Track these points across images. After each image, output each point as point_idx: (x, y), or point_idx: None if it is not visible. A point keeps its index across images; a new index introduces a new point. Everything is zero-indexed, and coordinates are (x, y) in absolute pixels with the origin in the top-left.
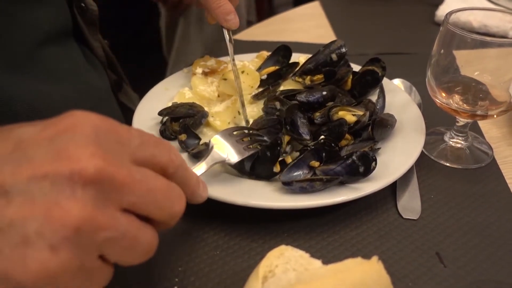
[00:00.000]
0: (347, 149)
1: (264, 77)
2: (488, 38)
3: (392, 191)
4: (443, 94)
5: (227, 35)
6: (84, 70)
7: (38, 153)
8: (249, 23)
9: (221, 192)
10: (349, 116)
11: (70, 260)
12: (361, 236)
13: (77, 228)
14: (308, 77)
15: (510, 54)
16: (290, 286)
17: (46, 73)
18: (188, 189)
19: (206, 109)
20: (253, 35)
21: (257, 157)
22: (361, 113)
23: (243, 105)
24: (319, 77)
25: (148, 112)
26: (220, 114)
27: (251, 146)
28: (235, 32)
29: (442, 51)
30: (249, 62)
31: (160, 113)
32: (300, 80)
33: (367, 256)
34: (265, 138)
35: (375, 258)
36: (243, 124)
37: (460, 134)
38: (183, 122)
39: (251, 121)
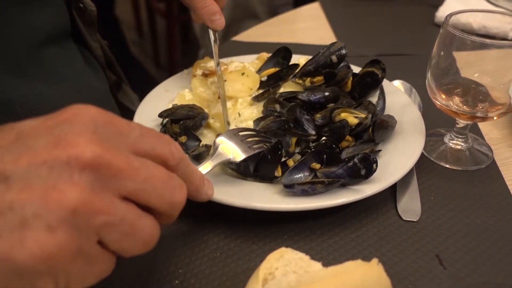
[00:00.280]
0: (347, 151)
1: (264, 78)
2: (487, 40)
3: (392, 193)
4: (443, 96)
5: (212, 36)
6: (83, 71)
7: (38, 142)
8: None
9: (222, 194)
10: (351, 118)
11: (67, 242)
12: (361, 238)
13: (74, 210)
14: (308, 79)
15: (510, 56)
16: None
17: (45, 74)
18: (192, 184)
19: (206, 110)
20: (253, 36)
21: (260, 158)
22: (363, 115)
23: (224, 103)
24: (319, 79)
25: (148, 113)
26: (220, 116)
27: (255, 146)
28: (236, 32)
29: (442, 52)
30: (249, 63)
31: (160, 115)
32: (300, 82)
33: (367, 258)
34: (271, 139)
35: (375, 260)
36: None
37: (460, 136)
38: (183, 124)
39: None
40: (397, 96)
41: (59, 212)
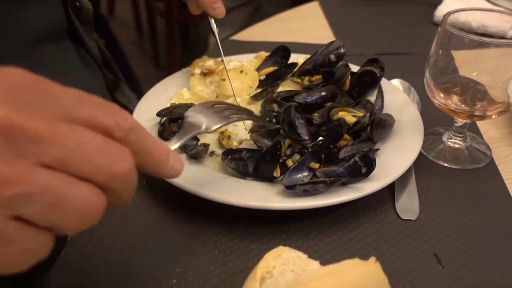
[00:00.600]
0: (346, 150)
1: (263, 77)
2: (486, 39)
3: (390, 191)
4: (441, 95)
5: (214, 24)
6: (79, 69)
7: None
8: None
9: (221, 193)
10: (349, 117)
11: None
12: (359, 237)
13: None
14: (307, 78)
15: (508, 54)
16: (288, 287)
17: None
18: (151, 158)
19: None
20: (251, 35)
21: (259, 158)
22: (361, 114)
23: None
24: (317, 78)
25: (146, 112)
26: None
27: (232, 116)
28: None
29: (440, 51)
30: (247, 62)
31: (158, 114)
32: (299, 80)
33: (365, 257)
34: (248, 112)
35: (372, 259)
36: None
37: (459, 135)
38: (182, 123)
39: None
40: (395, 95)
41: None
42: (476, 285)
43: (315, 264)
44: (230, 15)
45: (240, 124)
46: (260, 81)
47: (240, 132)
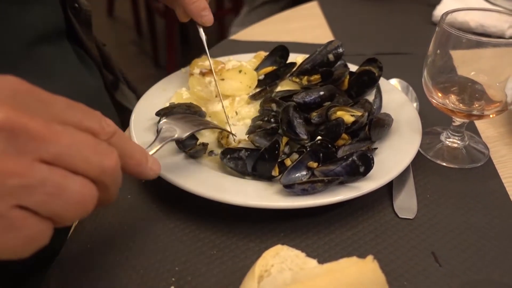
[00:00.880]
0: (344, 150)
1: (262, 77)
2: (483, 38)
3: (388, 190)
4: (439, 94)
5: (202, 32)
6: (77, 69)
7: None
8: None
9: (219, 192)
10: (347, 116)
11: None
12: (357, 236)
13: None
14: (305, 77)
15: (506, 54)
16: (286, 286)
17: (39, 72)
18: (132, 159)
19: (203, 109)
20: (250, 35)
21: (258, 157)
22: (359, 113)
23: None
24: (316, 78)
25: (145, 112)
26: (217, 114)
27: (200, 126)
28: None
29: (438, 51)
30: (246, 62)
31: (157, 114)
32: (297, 80)
33: (363, 255)
34: (214, 124)
35: (370, 257)
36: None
37: (457, 134)
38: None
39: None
40: (394, 94)
41: None
42: (474, 283)
43: (313, 262)
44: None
45: (238, 123)
46: (259, 80)
47: (239, 131)
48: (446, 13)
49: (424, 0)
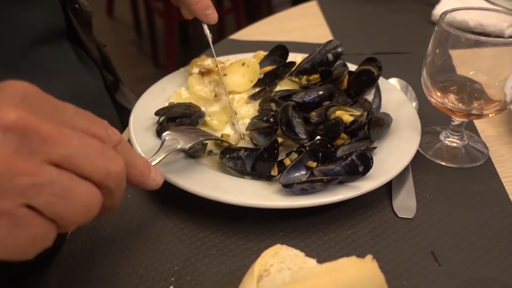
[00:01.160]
0: (343, 149)
1: (261, 76)
2: (482, 38)
3: (387, 190)
4: (439, 94)
5: (207, 30)
6: (77, 70)
7: None
8: None
9: (218, 192)
10: (346, 115)
11: None
12: (356, 235)
13: None
14: (305, 77)
15: (505, 53)
16: (285, 285)
17: (39, 73)
18: (135, 169)
19: (202, 109)
20: (250, 35)
21: (257, 157)
22: (358, 113)
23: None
24: (315, 77)
25: (145, 112)
26: (217, 114)
27: (201, 138)
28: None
29: (437, 50)
30: None
31: (156, 113)
32: (297, 79)
33: (362, 255)
34: (215, 136)
35: (369, 257)
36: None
37: (456, 133)
38: (180, 122)
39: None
40: (393, 93)
41: None
42: (473, 282)
43: (312, 262)
44: None
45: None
46: (258, 80)
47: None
48: (445, 13)
49: (423, 0)
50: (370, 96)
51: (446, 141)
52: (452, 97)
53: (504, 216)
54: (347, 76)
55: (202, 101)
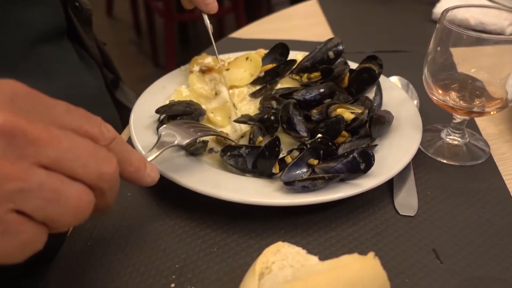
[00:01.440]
0: (344, 147)
1: (262, 74)
2: (484, 35)
3: (389, 187)
4: (440, 91)
5: (207, 20)
6: (77, 68)
7: None
8: None
9: (219, 190)
10: (347, 113)
11: None
12: (358, 233)
13: None
14: (305, 75)
15: (506, 51)
16: (287, 282)
17: (39, 72)
18: (130, 165)
19: (203, 107)
20: (250, 33)
21: (258, 154)
22: (359, 111)
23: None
24: (316, 75)
25: (145, 110)
26: (219, 110)
27: (199, 133)
28: (232, 30)
29: (439, 48)
30: None
31: (157, 111)
32: (297, 77)
33: (364, 252)
34: (214, 131)
35: (371, 254)
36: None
37: (457, 131)
38: (181, 119)
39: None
40: (394, 92)
41: None
42: (474, 280)
43: (314, 259)
44: None
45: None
46: (259, 78)
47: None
48: (447, 10)
49: None
50: (371, 94)
51: (448, 139)
52: (453, 94)
53: (506, 214)
54: (348, 74)
55: (203, 99)
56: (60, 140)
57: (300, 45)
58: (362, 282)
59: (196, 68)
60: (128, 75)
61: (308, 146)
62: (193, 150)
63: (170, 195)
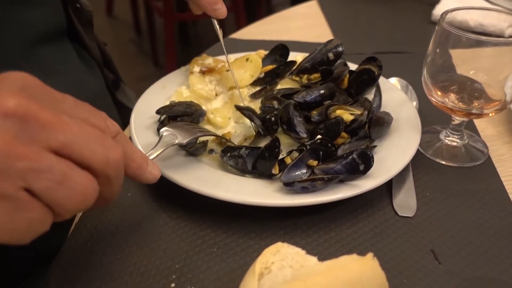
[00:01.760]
0: (343, 148)
1: (262, 75)
2: (483, 37)
3: (388, 188)
4: (439, 93)
5: (217, 25)
6: (78, 69)
7: None
8: None
9: (219, 190)
10: (346, 115)
11: None
12: (357, 234)
13: None
14: (305, 76)
15: (505, 53)
16: (286, 283)
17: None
18: (133, 162)
19: (203, 107)
20: (250, 34)
21: (258, 155)
22: (358, 112)
23: (241, 96)
24: (316, 76)
25: (146, 110)
26: (219, 110)
27: (199, 133)
28: (232, 31)
29: (438, 50)
30: None
31: (158, 112)
32: (297, 79)
33: (363, 253)
34: (214, 133)
35: (370, 255)
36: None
37: (456, 133)
38: (181, 121)
39: None
40: (393, 93)
41: None
42: (473, 281)
43: (313, 260)
44: None
45: (239, 121)
46: (259, 79)
47: (239, 130)
48: (446, 12)
49: (423, 0)
50: (370, 95)
51: (446, 140)
52: (452, 96)
53: (504, 215)
54: (347, 75)
55: (203, 99)
56: (69, 126)
57: (300, 46)
58: (361, 283)
59: (196, 69)
60: (128, 75)
61: (308, 147)
62: (193, 151)
63: (170, 196)
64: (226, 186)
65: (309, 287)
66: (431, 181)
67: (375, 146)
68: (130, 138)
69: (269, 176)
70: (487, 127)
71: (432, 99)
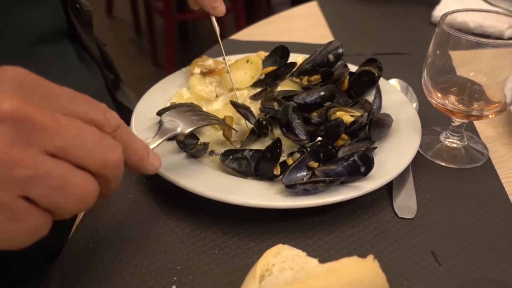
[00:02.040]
0: (344, 150)
1: (262, 77)
2: (483, 39)
3: (388, 190)
4: (439, 95)
5: (215, 22)
6: (78, 69)
7: None
8: None
9: (220, 192)
10: (346, 116)
11: None
12: (357, 235)
13: None
14: (306, 78)
15: (505, 55)
16: (287, 285)
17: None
18: (134, 154)
19: (204, 109)
20: (250, 35)
21: (260, 157)
22: (358, 113)
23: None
24: (316, 78)
25: (146, 112)
26: (220, 112)
27: (202, 122)
28: (232, 32)
29: (438, 51)
30: None
31: (158, 113)
32: (298, 80)
33: (363, 255)
34: (217, 119)
35: (370, 257)
36: (240, 123)
37: (456, 134)
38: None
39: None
40: (393, 94)
41: None
42: (473, 282)
43: (314, 261)
44: None
45: (240, 122)
46: (259, 80)
47: (239, 130)
48: (446, 14)
49: (423, 1)
50: (370, 97)
51: (446, 142)
52: (452, 98)
53: (504, 216)
54: (347, 77)
55: (204, 101)
56: (66, 128)
57: (300, 47)
58: (362, 284)
59: (197, 70)
60: (128, 75)
61: (308, 149)
62: (194, 152)
63: (171, 197)
64: (227, 188)
65: None
66: (431, 183)
67: (375, 148)
68: None
69: (270, 178)
70: (487, 129)
71: (432, 100)
